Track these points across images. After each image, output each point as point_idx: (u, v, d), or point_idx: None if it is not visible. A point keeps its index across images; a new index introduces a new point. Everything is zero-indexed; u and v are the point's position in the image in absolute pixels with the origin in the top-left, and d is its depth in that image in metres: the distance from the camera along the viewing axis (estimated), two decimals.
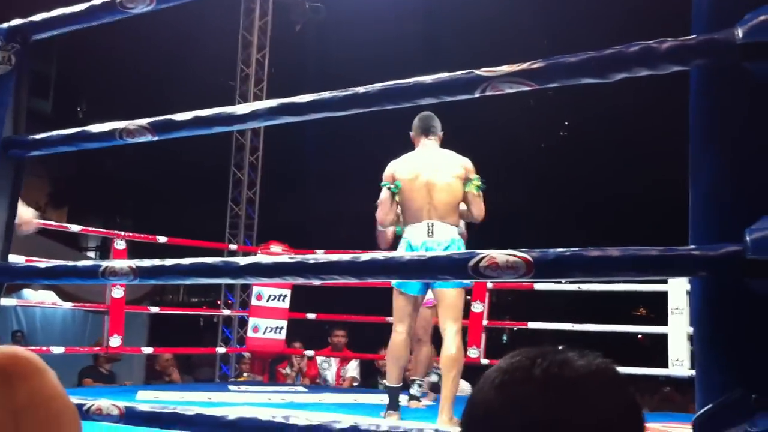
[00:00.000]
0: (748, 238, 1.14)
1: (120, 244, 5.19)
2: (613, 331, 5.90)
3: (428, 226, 3.77)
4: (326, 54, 11.58)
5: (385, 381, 4.36)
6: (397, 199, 3.89)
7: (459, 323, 3.76)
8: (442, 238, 3.75)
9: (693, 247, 1.22)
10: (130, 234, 5.52)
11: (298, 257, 1.48)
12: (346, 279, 1.45)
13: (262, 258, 1.60)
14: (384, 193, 3.91)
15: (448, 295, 3.75)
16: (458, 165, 3.85)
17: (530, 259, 1.29)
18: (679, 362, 4.88)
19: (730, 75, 1.26)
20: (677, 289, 4.88)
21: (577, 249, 1.30)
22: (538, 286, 5.92)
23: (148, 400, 4.19)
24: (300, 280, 1.48)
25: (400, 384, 3.97)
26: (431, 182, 3.81)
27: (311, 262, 1.46)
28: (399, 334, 3.85)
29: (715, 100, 1.31)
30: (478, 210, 3.82)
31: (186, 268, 1.54)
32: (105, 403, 1.45)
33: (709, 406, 1.17)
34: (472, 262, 1.34)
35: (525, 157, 13.13)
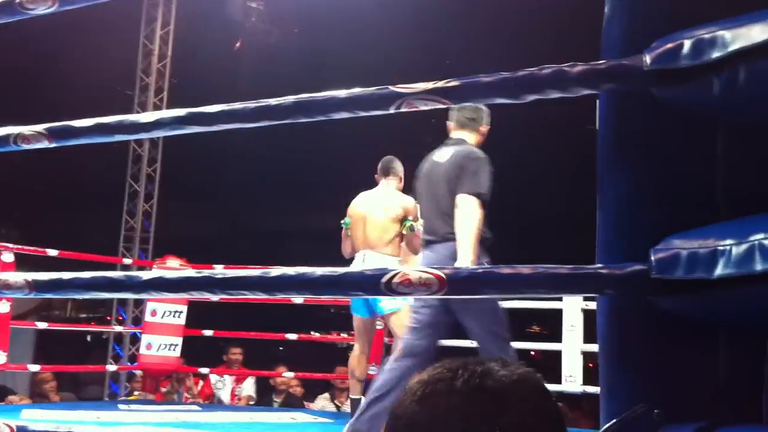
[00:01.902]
0: (652, 258, 1.18)
1: (7, 257, 4.94)
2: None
3: (363, 256, 4.21)
4: (237, 66, 11.43)
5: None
6: (349, 234, 4.36)
7: None
8: (374, 265, 3.91)
9: (601, 266, 1.25)
10: (18, 246, 5.27)
11: (206, 272, 1.44)
12: (255, 294, 1.42)
13: (167, 273, 1.55)
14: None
15: (391, 320, 4.11)
16: (398, 205, 4.23)
17: (443, 276, 1.29)
18: (572, 378, 5.01)
19: (637, 100, 1.31)
20: (572, 307, 5.01)
21: (489, 267, 1.31)
22: None
23: (35, 419, 3.99)
24: (207, 296, 1.43)
25: (360, 396, 4.14)
26: (369, 218, 4.25)
27: (219, 277, 1.42)
28: (354, 350, 4.44)
29: (622, 124, 1.35)
30: (412, 247, 4.16)
31: (86, 282, 1.47)
32: None
33: (614, 421, 1.19)
34: (384, 279, 1.33)
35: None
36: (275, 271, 1.41)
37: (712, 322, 1.19)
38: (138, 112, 8.48)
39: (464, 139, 3.59)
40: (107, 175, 9.88)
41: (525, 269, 1.29)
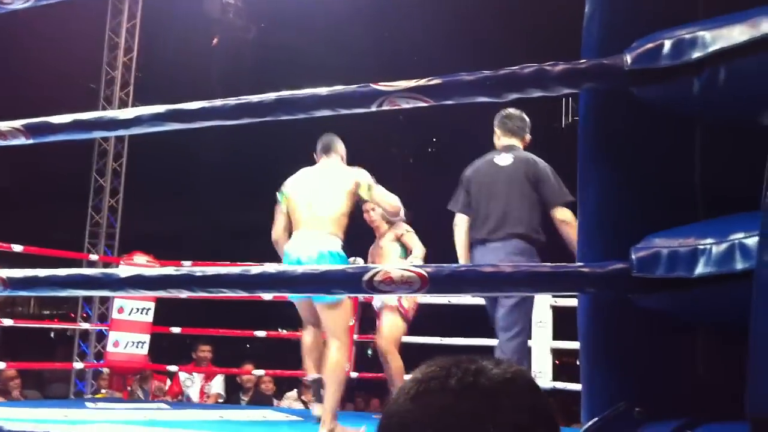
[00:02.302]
0: (633, 257, 1.19)
1: None
2: (479, 344, 6.04)
3: (302, 236, 3.84)
4: (205, 61, 11.33)
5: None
6: (284, 211, 4.00)
7: (339, 338, 3.79)
8: (312, 247, 3.78)
9: (582, 264, 1.27)
10: None
11: (185, 269, 1.42)
12: (235, 292, 1.41)
13: (145, 270, 1.53)
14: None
15: (325, 312, 3.81)
16: (349, 180, 3.91)
17: (425, 274, 1.29)
18: (541, 374, 5.05)
19: (617, 99, 1.32)
20: (541, 303, 5.05)
21: (471, 265, 1.32)
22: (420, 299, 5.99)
23: (9, 418, 3.92)
24: (185, 294, 1.42)
25: (316, 376, 4.03)
26: (313, 195, 3.88)
27: (198, 274, 1.41)
28: (304, 334, 4.19)
29: (603, 123, 1.36)
30: (388, 205, 3.94)
31: (62, 280, 1.45)
32: None
33: (596, 419, 1.21)
34: (366, 277, 1.33)
35: (396, 171, 13.33)
36: (255, 268, 1.40)
37: (692, 320, 1.20)
38: (104, 107, 8.37)
39: (515, 145, 3.99)
40: (72, 171, 9.75)
41: (506, 267, 1.30)
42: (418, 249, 4.57)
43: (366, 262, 4.78)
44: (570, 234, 3.69)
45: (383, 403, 8.15)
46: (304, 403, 6.28)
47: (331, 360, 3.75)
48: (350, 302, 3.98)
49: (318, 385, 4.02)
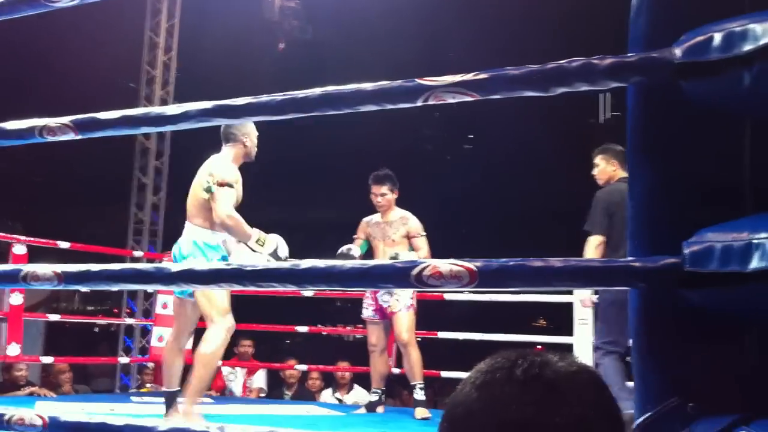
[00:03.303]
0: (685, 251, 1.18)
1: (19, 249, 4.96)
2: (520, 341, 6.02)
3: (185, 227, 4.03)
4: (242, 59, 11.41)
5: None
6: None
7: (213, 322, 3.85)
8: (184, 239, 3.97)
9: (632, 258, 1.26)
10: (31, 239, 5.28)
11: (235, 264, 1.44)
12: (285, 287, 1.43)
13: (196, 265, 1.56)
14: None
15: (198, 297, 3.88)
16: (207, 170, 3.97)
17: (474, 268, 1.30)
18: None
19: (666, 92, 1.31)
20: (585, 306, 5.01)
21: (520, 259, 1.31)
22: (448, 296, 5.99)
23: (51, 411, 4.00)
24: (236, 288, 1.44)
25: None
26: (192, 186, 4.03)
27: (249, 269, 1.43)
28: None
29: (652, 117, 1.35)
30: (214, 213, 3.88)
31: (115, 274, 1.48)
32: (27, 413, 1.37)
33: (648, 414, 1.20)
34: (415, 271, 1.33)
35: (432, 169, 13.32)
36: (305, 263, 1.41)
37: (744, 315, 1.19)
38: (144, 106, 8.48)
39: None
40: (115, 169, 9.90)
41: (556, 262, 1.29)
42: (425, 252, 4.81)
43: (355, 234, 4.96)
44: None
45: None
46: (339, 400, 6.32)
47: (207, 344, 3.81)
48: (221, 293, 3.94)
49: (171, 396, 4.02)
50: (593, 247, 4.25)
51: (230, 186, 3.87)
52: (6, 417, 1.38)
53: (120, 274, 1.50)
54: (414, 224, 4.88)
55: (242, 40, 10.99)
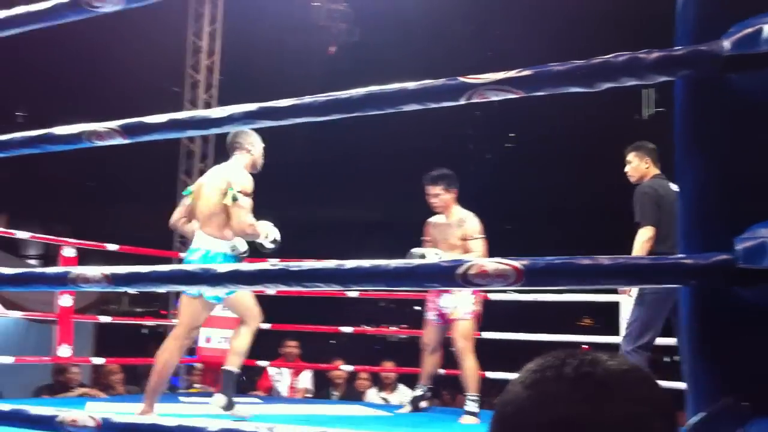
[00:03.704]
0: (738, 247, 1.16)
1: (69, 252, 5.06)
2: (565, 341, 5.97)
3: (195, 233, 4.07)
4: (283, 62, 11.49)
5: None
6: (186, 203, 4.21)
7: (246, 321, 4.10)
8: (195, 246, 4.01)
9: (683, 255, 1.23)
10: (79, 241, 5.38)
11: (280, 264, 1.45)
12: (330, 287, 1.43)
13: (242, 265, 1.57)
14: None
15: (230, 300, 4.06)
16: (222, 178, 4.01)
17: (520, 267, 1.28)
18: None
19: (714, 86, 1.28)
20: (630, 301, 4.94)
21: (567, 257, 1.30)
22: (493, 296, 5.96)
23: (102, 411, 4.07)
24: (282, 288, 1.45)
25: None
26: (200, 192, 4.08)
27: (294, 269, 1.43)
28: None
29: (700, 111, 1.33)
30: (236, 221, 3.93)
31: (164, 275, 1.50)
32: (80, 414, 1.40)
33: (701, 414, 1.18)
34: (460, 270, 1.33)
35: (471, 168, 13.27)
36: (350, 263, 1.42)
37: None
38: (188, 109, 8.57)
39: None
40: (161, 171, 10.04)
41: (604, 260, 1.27)
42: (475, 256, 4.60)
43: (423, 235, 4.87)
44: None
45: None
46: (385, 400, 6.32)
47: (241, 338, 4.10)
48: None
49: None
50: (645, 239, 4.30)
51: (250, 195, 3.96)
52: (59, 418, 1.40)
53: (168, 275, 1.51)
54: (470, 226, 4.71)
55: (286, 44, 11.07)
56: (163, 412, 4.41)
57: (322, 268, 1.41)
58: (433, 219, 4.87)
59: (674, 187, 4.24)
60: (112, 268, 1.56)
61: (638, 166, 4.56)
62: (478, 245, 4.69)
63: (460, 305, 4.74)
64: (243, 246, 4.00)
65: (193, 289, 3.80)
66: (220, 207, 3.94)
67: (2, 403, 1.53)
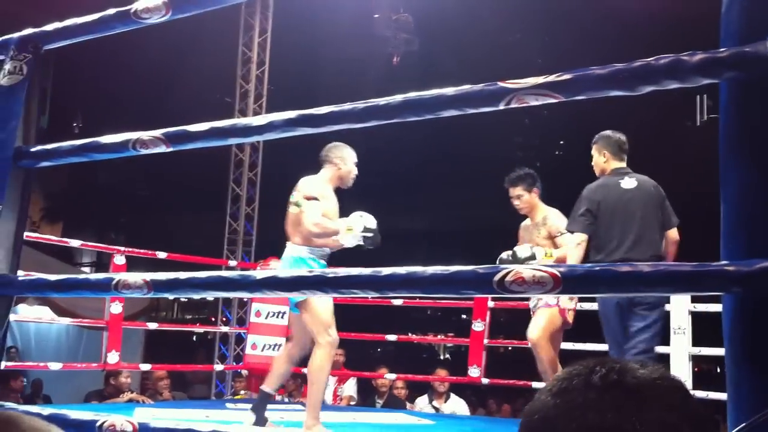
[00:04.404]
0: None
1: (120, 260, 5.15)
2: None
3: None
4: (329, 72, 11.57)
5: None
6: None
7: (318, 337, 3.86)
8: (284, 256, 4.05)
9: (726, 262, 1.20)
10: (129, 249, 5.48)
11: (317, 271, 1.45)
12: (366, 293, 1.43)
13: (279, 272, 1.58)
14: None
15: (300, 314, 3.91)
16: (296, 189, 4.04)
17: (558, 274, 1.26)
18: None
19: (760, 88, 1.25)
20: (679, 309, 4.85)
21: (606, 264, 1.28)
22: None
23: (155, 417, 4.13)
24: (319, 294, 1.45)
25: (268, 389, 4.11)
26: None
27: (330, 275, 1.43)
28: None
29: (745, 113, 1.29)
30: (303, 224, 3.93)
31: (202, 282, 1.51)
32: (118, 419, 1.42)
33: (743, 424, 1.14)
34: (497, 277, 1.31)
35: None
36: (386, 270, 1.41)
37: None
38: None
39: (627, 168, 4.10)
40: (210, 181, 10.18)
41: (644, 267, 1.25)
42: (561, 253, 4.32)
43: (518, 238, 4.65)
44: (675, 254, 4.04)
45: (514, 409, 8.04)
46: (436, 408, 6.28)
47: (313, 361, 3.83)
48: (325, 301, 3.84)
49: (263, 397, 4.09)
50: (572, 246, 3.94)
51: (315, 199, 3.94)
52: (98, 423, 1.42)
53: (206, 282, 1.53)
54: (552, 222, 4.45)
55: (338, 54, 11.12)
56: (208, 419, 4.45)
57: (358, 275, 1.41)
58: (523, 222, 4.68)
59: (630, 183, 3.98)
60: (152, 275, 1.58)
61: (597, 160, 4.12)
62: (564, 240, 4.36)
63: (545, 297, 4.28)
64: (359, 225, 3.97)
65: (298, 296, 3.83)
66: (295, 216, 4.01)
67: (43, 407, 1.56)
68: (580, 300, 4.77)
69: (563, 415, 0.71)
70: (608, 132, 4.15)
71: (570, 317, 4.38)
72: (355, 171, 4.16)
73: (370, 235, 3.94)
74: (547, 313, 4.31)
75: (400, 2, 9.47)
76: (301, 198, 3.95)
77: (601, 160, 4.09)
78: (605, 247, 3.90)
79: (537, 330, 4.27)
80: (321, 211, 3.94)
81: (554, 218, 4.46)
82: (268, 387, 4.10)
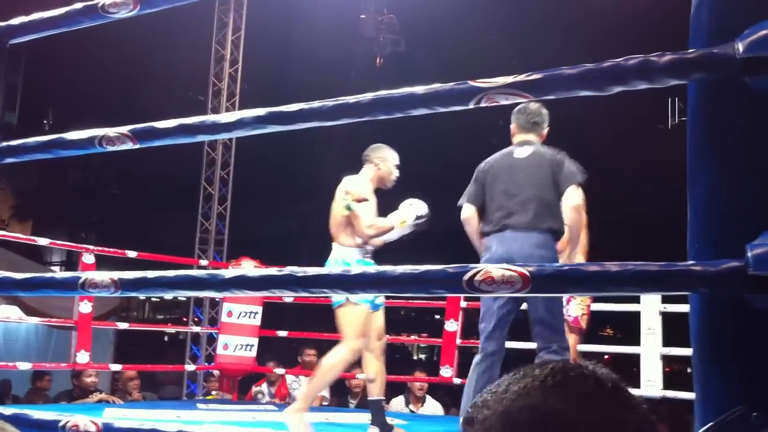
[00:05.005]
0: (749, 254, 1.13)
1: (89, 258, 5.08)
2: (586, 351, 5.89)
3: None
4: (305, 70, 11.52)
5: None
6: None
7: (345, 339, 3.90)
8: (330, 258, 3.99)
9: (693, 262, 1.21)
10: (99, 248, 5.41)
11: (287, 270, 1.44)
12: (336, 292, 1.42)
13: (248, 271, 1.56)
14: None
15: (336, 314, 3.94)
16: (343, 189, 4.05)
17: (527, 273, 1.26)
18: (651, 382, 4.88)
19: (728, 89, 1.26)
20: (650, 310, 4.89)
21: (574, 264, 1.28)
22: None
23: (119, 417, 4.08)
24: (288, 294, 1.44)
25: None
26: (331, 206, 4.09)
27: (300, 275, 1.42)
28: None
29: (713, 114, 1.30)
30: (357, 230, 3.96)
31: (170, 281, 1.50)
32: (82, 419, 1.39)
33: (710, 424, 1.15)
34: (466, 276, 1.31)
35: None
36: (356, 269, 1.40)
37: None
38: None
39: (532, 140, 3.80)
40: (182, 179, 10.11)
41: (612, 266, 1.25)
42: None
43: None
44: (576, 221, 3.59)
45: None
46: (412, 412, 6.27)
47: (330, 355, 3.88)
48: (362, 308, 3.88)
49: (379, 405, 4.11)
50: (463, 218, 3.78)
51: (366, 200, 3.97)
52: (61, 423, 1.40)
53: (174, 280, 1.51)
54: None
55: (313, 53, 11.07)
56: (179, 419, 4.42)
57: (327, 274, 1.40)
58: None
59: (524, 152, 3.69)
60: (119, 273, 1.56)
61: (511, 133, 3.91)
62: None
63: (570, 309, 4.40)
64: (411, 215, 3.97)
65: (337, 298, 3.83)
66: (342, 217, 4.01)
67: (5, 407, 1.53)
68: None
69: (516, 411, 0.71)
70: (523, 104, 3.83)
71: (583, 322, 4.40)
72: (395, 173, 4.19)
73: (422, 221, 4.02)
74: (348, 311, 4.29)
75: (377, 2, 9.45)
76: (351, 201, 3.97)
77: (512, 132, 3.89)
78: (490, 218, 3.68)
79: None
80: (372, 212, 3.97)
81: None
82: (375, 395, 4.12)
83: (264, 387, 6.66)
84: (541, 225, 3.57)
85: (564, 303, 4.25)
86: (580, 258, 3.56)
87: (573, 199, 3.56)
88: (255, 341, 6.26)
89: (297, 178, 12.49)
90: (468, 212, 3.75)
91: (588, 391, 0.71)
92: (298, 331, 6.58)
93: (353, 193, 3.98)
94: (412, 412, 6.21)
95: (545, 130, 3.87)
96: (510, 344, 5.21)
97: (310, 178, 12.18)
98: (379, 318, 4.10)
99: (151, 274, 1.54)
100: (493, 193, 3.70)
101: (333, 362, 3.88)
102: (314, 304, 5.90)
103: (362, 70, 10.38)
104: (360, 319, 3.88)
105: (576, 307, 4.30)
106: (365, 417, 5.10)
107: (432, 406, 6.27)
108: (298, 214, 12.90)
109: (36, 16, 1.98)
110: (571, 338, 4.26)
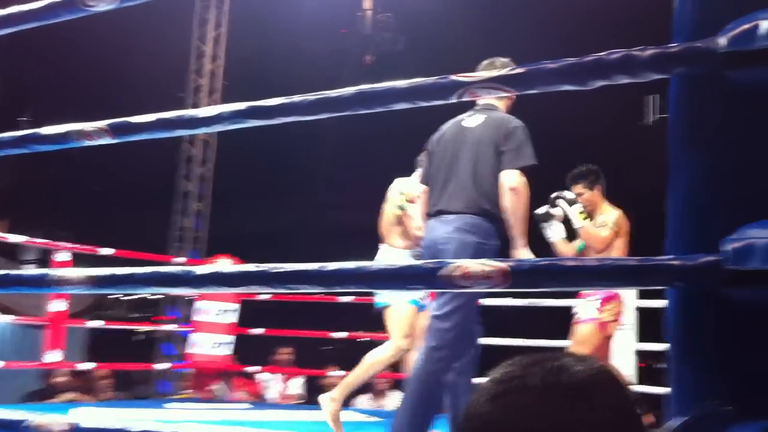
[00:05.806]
0: (727, 248, 1.13)
1: (63, 256, 5.01)
2: (562, 346, 5.91)
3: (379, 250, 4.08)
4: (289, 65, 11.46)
5: None
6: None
7: (392, 339, 3.87)
8: (378, 257, 4.03)
9: (671, 257, 1.21)
10: (73, 245, 5.34)
11: (263, 266, 1.42)
12: (313, 288, 1.40)
13: (223, 267, 1.54)
14: None
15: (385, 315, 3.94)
16: (398, 189, 4.07)
17: (507, 268, 1.25)
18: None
19: (710, 84, 1.26)
20: (626, 305, 4.90)
21: (553, 258, 1.28)
22: (489, 302, 5.91)
23: (87, 417, 4.03)
24: (264, 290, 1.42)
25: None
26: (383, 207, 4.11)
27: (276, 271, 1.40)
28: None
29: (695, 108, 1.30)
30: (408, 226, 3.97)
31: (144, 277, 1.47)
32: (49, 418, 1.36)
33: (685, 418, 1.15)
34: (443, 272, 1.29)
35: None
36: (333, 264, 1.39)
37: None
38: None
39: (494, 104, 3.40)
40: (159, 176, 10.01)
41: (591, 261, 1.25)
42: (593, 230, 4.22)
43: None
44: (514, 206, 3.16)
45: None
46: (380, 407, 6.27)
47: (375, 352, 3.85)
48: (409, 308, 3.87)
49: None
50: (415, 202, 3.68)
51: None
52: (28, 423, 1.37)
53: (148, 277, 1.49)
54: (608, 221, 4.24)
55: (297, 49, 11.01)
56: (151, 419, 4.37)
57: (304, 270, 1.38)
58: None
59: (474, 121, 3.30)
60: (91, 270, 1.53)
61: None
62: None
63: (584, 309, 4.28)
64: None
65: (381, 298, 3.86)
66: (395, 218, 4.02)
67: None
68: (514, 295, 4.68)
69: (503, 419, 0.70)
70: (494, 59, 3.41)
71: (612, 329, 4.27)
72: None
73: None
74: (585, 330, 4.25)
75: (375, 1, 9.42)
76: (404, 201, 3.99)
77: None
78: (431, 196, 3.34)
79: (577, 345, 4.22)
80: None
81: (613, 219, 4.26)
82: None
83: (222, 385, 6.60)
84: (473, 207, 3.20)
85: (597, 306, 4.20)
86: (525, 253, 3.20)
87: (509, 180, 3.15)
88: (231, 339, 6.22)
89: (288, 175, 12.41)
90: (418, 192, 3.54)
91: (529, 401, 0.70)
92: (275, 329, 6.54)
93: (407, 194, 4.00)
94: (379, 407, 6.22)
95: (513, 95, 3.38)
96: (490, 340, 5.25)
97: (301, 175, 12.13)
98: (424, 319, 4.06)
99: (124, 270, 1.52)
100: (437, 170, 3.36)
101: (377, 359, 3.84)
102: (289, 302, 5.88)
103: (351, 68, 10.35)
104: (407, 319, 3.86)
105: (606, 312, 4.21)
106: (341, 415, 5.08)
107: (396, 400, 6.27)
108: (287, 212, 12.83)
109: (13, 9, 1.95)
110: (594, 340, 4.19)
